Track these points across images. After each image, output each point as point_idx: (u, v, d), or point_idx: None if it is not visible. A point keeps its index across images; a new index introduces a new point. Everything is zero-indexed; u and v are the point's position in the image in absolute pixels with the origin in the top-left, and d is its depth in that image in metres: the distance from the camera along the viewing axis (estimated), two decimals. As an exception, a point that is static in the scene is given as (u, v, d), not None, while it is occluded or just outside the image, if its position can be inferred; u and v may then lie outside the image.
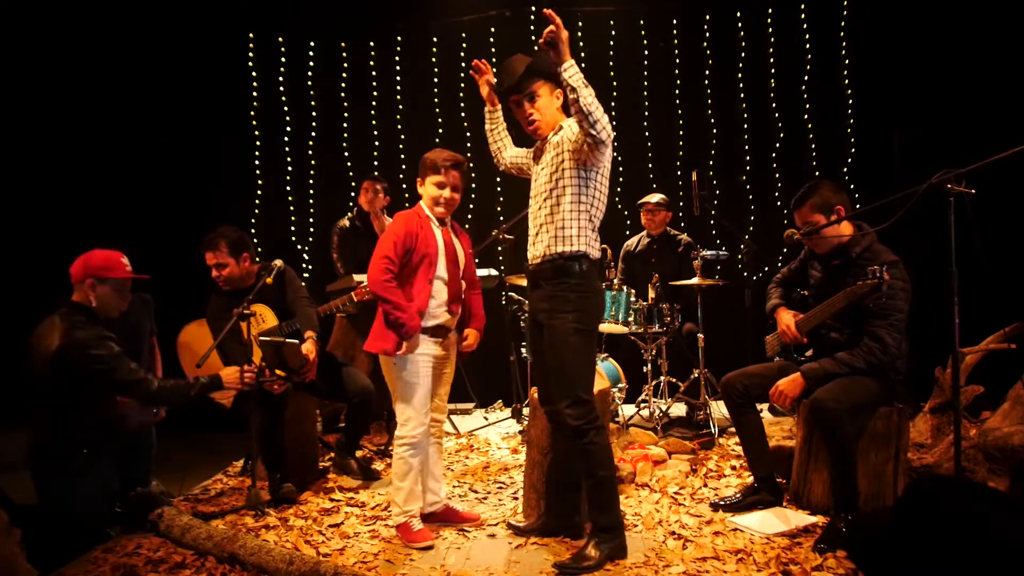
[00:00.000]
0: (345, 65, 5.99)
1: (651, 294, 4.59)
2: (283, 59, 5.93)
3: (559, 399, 2.76)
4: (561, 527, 3.03)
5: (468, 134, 5.90)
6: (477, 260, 4.94)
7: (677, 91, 5.92)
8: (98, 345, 2.95)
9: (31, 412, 3.01)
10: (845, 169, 5.72)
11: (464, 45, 5.92)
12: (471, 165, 5.90)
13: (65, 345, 2.91)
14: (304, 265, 5.89)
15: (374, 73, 6.00)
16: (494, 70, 3.03)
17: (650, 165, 5.95)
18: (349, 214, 4.86)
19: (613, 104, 5.89)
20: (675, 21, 5.89)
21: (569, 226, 2.72)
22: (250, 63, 5.91)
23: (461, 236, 3.20)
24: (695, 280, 4.58)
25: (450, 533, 3.13)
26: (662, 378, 4.87)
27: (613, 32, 5.86)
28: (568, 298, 2.72)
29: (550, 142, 2.81)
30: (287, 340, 3.48)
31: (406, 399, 2.99)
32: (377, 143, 6.00)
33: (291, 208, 5.98)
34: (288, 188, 5.97)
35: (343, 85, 5.98)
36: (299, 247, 5.94)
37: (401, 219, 3.01)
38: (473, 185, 5.95)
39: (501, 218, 5.76)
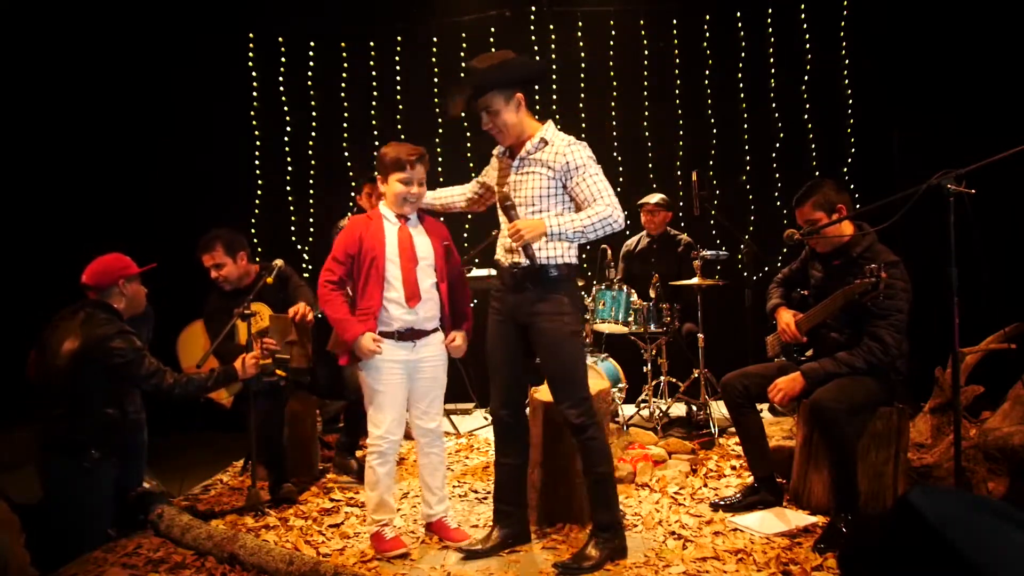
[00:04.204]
0: (345, 65, 5.99)
1: (651, 294, 4.60)
2: (283, 59, 5.93)
3: (561, 400, 2.77)
4: (522, 535, 3.00)
5: (468, 134, 5.90)
6: (476, 260, 4.96)
7: (677, 91, 5.91)
8: (119, 339, 3.02)
9: (39, 412, 3.03)
10: (845, 169, 5.72)
11: (464, 45, 5.92)
12: (471, 165, 5.91)
13: (87, 342, 2.97)
14: (304, 265, 5.88)
15: (374, 73, 6.00)
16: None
17: (650, 165, 5.94)
18: (349, 214, 4.86)
19: (613, 104, 5.89)
20: (675, 21, 5.89)
21: None
22: (250, 63, 5.90)
23: (432, 229, 3.02)
24: (695, 280, 4.58)
25: (450, 533, 3.13)
26: (662, 378, 4.87)
27: (613, 32, 5.85)
28: (564, 301, 2.76)
29: (536, 159, 2.74)
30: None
31: (373, 406, 2.92)
32: (377, 143, 6.00)
33: (291, 208, 5.97)
34: (288, 188, 5.97)
35: (343, 85, 5.98)
36: (299, 247, 5.94)
37: (350, 224, 3.00)
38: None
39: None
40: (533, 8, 5.84)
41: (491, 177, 2.97)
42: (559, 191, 2.72)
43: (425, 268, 2.93)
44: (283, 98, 5.95)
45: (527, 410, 3.04)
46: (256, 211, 5.92)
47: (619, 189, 5.88)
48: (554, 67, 5.89)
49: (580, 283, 5.05)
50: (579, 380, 2.78)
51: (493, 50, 5.82)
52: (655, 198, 5.13)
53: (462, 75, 2.74)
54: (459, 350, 3.08)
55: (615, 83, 5.87)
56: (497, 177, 2.91)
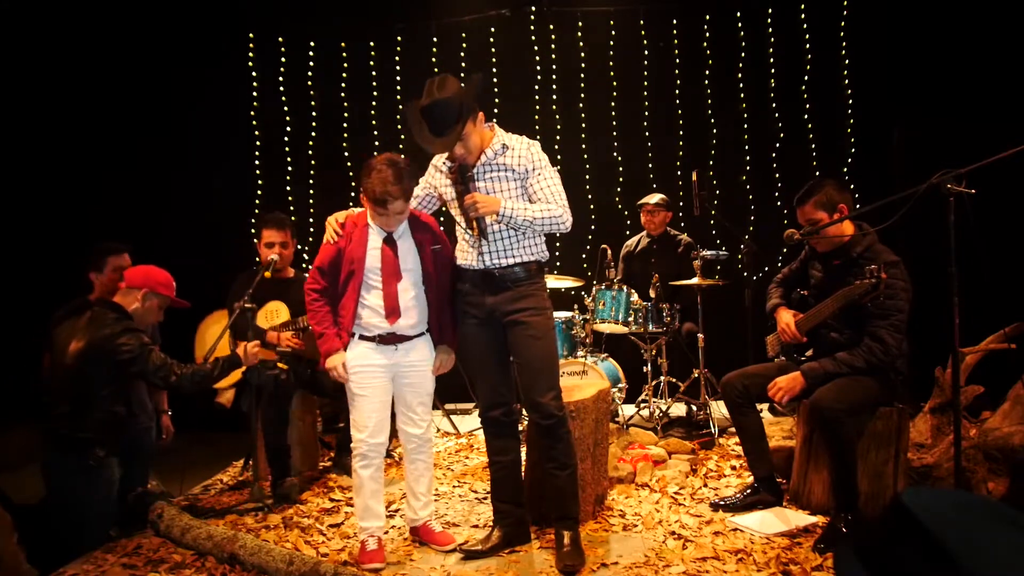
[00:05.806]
0: (345, 65, 5.99)
1: (651, 294, 4.60)
2: (283, 59, 5.93)
3: (545, 391, 2.79)
4: (522, 535, 3.01)
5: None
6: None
7: (677, 91, 5.91)
8: (126, 335, 3.05)
9: (42, 411, 3.04)
10: (845, 169, 5.72)
11: (464, 45, 5.92)
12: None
13: (94, 340, 3.00)
14: (304, 265, 5.88)
15: (374, 73, 6.00)
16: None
17: (650, 165, 5.94)
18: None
19: (613, 104, 5.88)
20: (675, 21, 5.89)
21: (541, 235, 2.87)
22: (250, 63, 5.91)
23: (421, 235, 2.90)
24: (695, 280, 4.58)
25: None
26: (662, 378, 4.87)
27: (613, 32, 5.85)
28: (544, 297, 2.87)
29: (500, 163, 2.78)
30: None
31: (354, 410, 2.87)
32: (377, 143, 6.00)
33: (291, 208, 5.97)
34: (288, 188, 5.97)
35: (343, 85, 5.98)
36: (299, 247, 5.94)
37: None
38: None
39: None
40: (533, 8, 5.84)
41: (439, 185, 2.95)
42: (523, 191, 2.81)
43: (409, 281, 2.86)
44: (283, 98, 5.96)
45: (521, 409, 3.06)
46: (256, 211, 5.92)
47: (619, 189, 5.91)
48: (554, 67, 5.90)
49: (579, 283, 5.10)
50: (557, 372, 2.87)
51: (493, 50, 5.74)
52: (655, 198, 5.13)
53: (432, 110, 2.67)
54: (445, 367, 3.00)
55: (615, 83, 5.87)
56: (451, 186, 2.90)
